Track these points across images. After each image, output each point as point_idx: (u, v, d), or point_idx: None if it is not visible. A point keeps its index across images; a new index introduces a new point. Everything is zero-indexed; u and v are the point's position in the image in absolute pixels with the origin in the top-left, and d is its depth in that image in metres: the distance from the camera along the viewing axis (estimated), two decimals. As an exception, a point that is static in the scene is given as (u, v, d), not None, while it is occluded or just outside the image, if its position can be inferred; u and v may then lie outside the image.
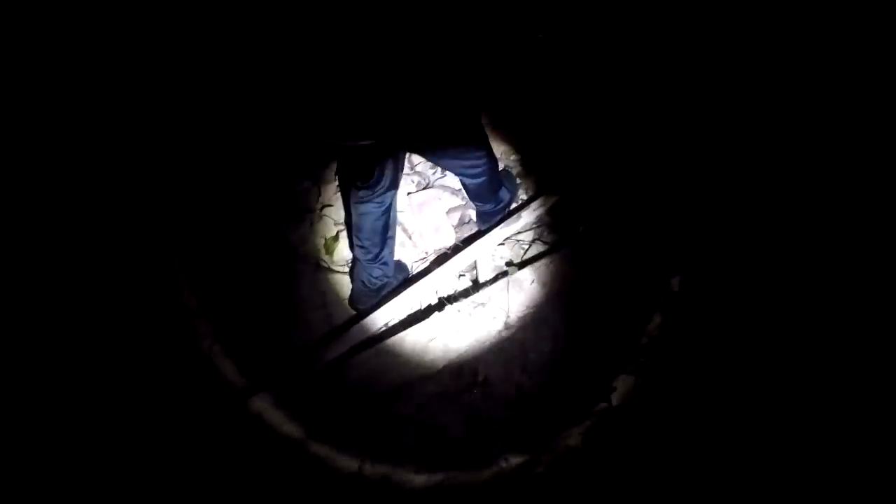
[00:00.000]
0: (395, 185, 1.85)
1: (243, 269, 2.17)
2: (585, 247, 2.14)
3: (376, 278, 2.02)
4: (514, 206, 2.19)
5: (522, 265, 2.11)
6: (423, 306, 2.12)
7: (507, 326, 2.06)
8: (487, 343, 2.07)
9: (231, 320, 2.12)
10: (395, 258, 2.12)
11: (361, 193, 1.81)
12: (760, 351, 1.89)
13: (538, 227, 2.19)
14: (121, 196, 2.16)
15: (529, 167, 2.25)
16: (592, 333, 2.07)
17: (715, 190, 2.08)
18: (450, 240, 2.25)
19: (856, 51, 1.86)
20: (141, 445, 1.90)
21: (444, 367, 2.06)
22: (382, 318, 2.07)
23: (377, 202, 1.84)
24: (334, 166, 2.31)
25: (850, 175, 1.88)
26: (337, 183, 2.28)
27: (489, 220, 2.15)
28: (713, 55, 2.05)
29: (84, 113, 2.14)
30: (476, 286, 2.12)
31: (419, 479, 1.96)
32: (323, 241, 2.24)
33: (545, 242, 2.17)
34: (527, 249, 2.17)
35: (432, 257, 2.23)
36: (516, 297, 2.09)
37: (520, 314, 2.08)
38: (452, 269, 2.11)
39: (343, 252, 2.23)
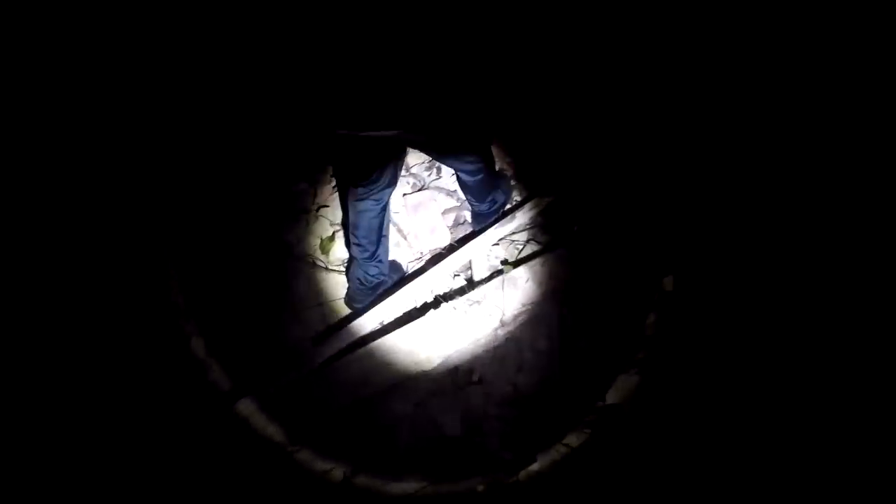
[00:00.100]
0: (393, 182, 1.88)
1: (239, 268, 2.17)
2: (579, 247, 2.16)
3: (373, 276, 2.03)
4: (508, 207, 2.22)
5: (517, 264, 2.13)
6: (419, 305, 2.13)
7: (502, 324, 2.08)
8: (483, 341, 2.08)
9: (225, 320, 2.12)
10: (391, 258, 2.14)
11: (360, 191, 1.83)
12: (753, 347, 1.92)
13: (532, 227, 2.21)
14: (116, 195, 2.16)
15: (523, 169, 2.28)
16: (587, 332, 2.09)
17: (705, 191, 2.12)
18: (445, 240, 2.26)
19: (839, 52, 1.92)
20: (131, 445, 1.88)
21: (440, 365, 2.07)
22: (378, 316, 2.08)
23: (375, 199, 1.86)
24: (330, 168, 2.33)
25: (837, 172, 1.93)
26: (334, 183, 2.30)
27: (484, 221, 2.18)
28: (702, 58, 2.11)
29: (80, 110, 2.14)
30: (471, 285, 2.13)
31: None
32: (319, 241, 2.25)
33: (539, 242, 2.20)
34: (521, 249, 2.19)
35: (427, 257, 2.25)
36: (511, 295, 2.10)
37: (515, 312, 2.09)
38: (447, 268, 2.13)
39: (339, 252, 2.24)
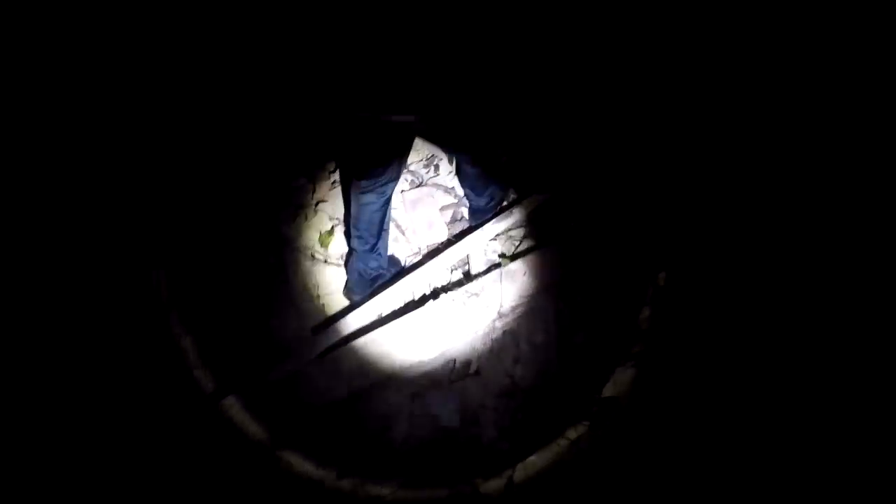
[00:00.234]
0: (396, 177, 1.92)
1: (239, 262, 2.18)
2: (576, 242, 2.20)
3: (372, 269, 2.05)
4: (505, 203, 2.25)
5: (515, 258, 2.16)
6: (417, 297, 2.15)
7: (500, 316, 2.10)
8: (480, 333, 2.10)
9: (223, 312, 2.12)
10: (389, 253, 2.16)
11: (364, 183, 1.87)
12: (746, 341, 1.95)
13: (529, 223, 2.25)
14: (113, 189, 2.16)
15: (521, 165, 2.32)
16: (583, 325, 2.12)
17: (698, 189, 2.18)
18: (442, 235, 2.30)
19: (824, 54, 1.99)
20: (123, 443, 1.86)
21: (438, 356, 2.07)
22: (376, 308, 2.09)
23: (379, 192, 1.89)
24: (329, 165, 2.36)
25: (825, 166, 1.99)
26: (333, 179, 2.33)
27: (482, 216, 2.21)
28: (694, 59, 2.18)
29: (83, 107, 2.16)
30: (469, 278, 2.16)
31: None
32: (318, 235, 2.27)
33: (536, 238, 2.23)
34: (519, 244, 2.23)
35: (425, 252, 2.28)
36: (509, 288, 2.13)
37: (512, 305, 2.11)
38: (445, 261, 2.16)
39: (337, 245, 2.26)
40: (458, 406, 2.03)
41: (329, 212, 2.31)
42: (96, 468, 1.81)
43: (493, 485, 1.94)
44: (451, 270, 2.21)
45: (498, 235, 2.23)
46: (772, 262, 2.02)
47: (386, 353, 2.03)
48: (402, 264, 2.25)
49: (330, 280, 2.20)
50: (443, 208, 2.35)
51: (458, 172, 2.10)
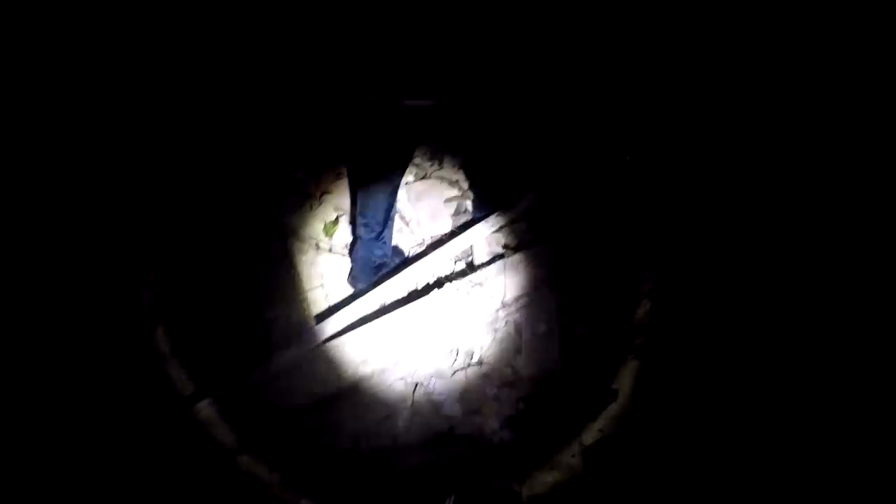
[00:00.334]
0: (405, 166, 1.94)
1: (243, 251, 2.19)
2: (578, 235, 2.22)
3: (377, 257, 2.07)
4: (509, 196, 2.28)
5: (518, 249, 2.18)
6: (421, 286, 2.16)
7: (503, 306, 2.11)
8: (483, 323, 2.11)
9: (230, 299, 2.13)
10: (393, 244, 2.18)
11: (374, 171, 1.88)
12: (745, 339, 1.97)
13: (533, 215, 2.27)
14: (113, 185, 2.17)
15: (525, 158, 2.35)
16: (586, 317, 2.13)
17: (698, 188, 2.20)
18: (446, 227, 2.31)
19: (813, 56, 2.03)
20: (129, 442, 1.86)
21: (440, 345, 2.08)
22: (380, 296, 2.10)
23: (387, 180, 1.91)
24: (334, 154, 2.38)
25: (812, 165, 2.03)
26: (338, 170, 2.34)
27: (485, 208, 2.23)
28: (686, 61, 2.22)
29: (88, 103, 2.18)
30: (472, 268, 2.17)
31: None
32: (322, 226, 2.28)
33: (540, 230, 2.25)
34: (522, 236, 2.24)
35: (429, 243, 2.29)
36: (512, 279, 2.14)
37: (515, 296, 2.12)
38: (449, 252, 2.17)
39: (342, 236, 2.28)
40: (459, 396, 2.04)
41: (333, 203, 2.32)
42: (61, 465, 1.79)
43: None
44: (455, 261, 2.22)
45: (502, 227, 2.24)
46: (771, 256, 2.04)
47: (388, 342, 2.04)
48: (406, 254, 2.26)
49: (334, 269, 2.21)
50: (447, 200, 2.37)
51: (465, 166, 2.12)
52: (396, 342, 2.05)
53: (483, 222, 2.22)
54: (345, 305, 2.08)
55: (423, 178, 2.40)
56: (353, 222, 2.23)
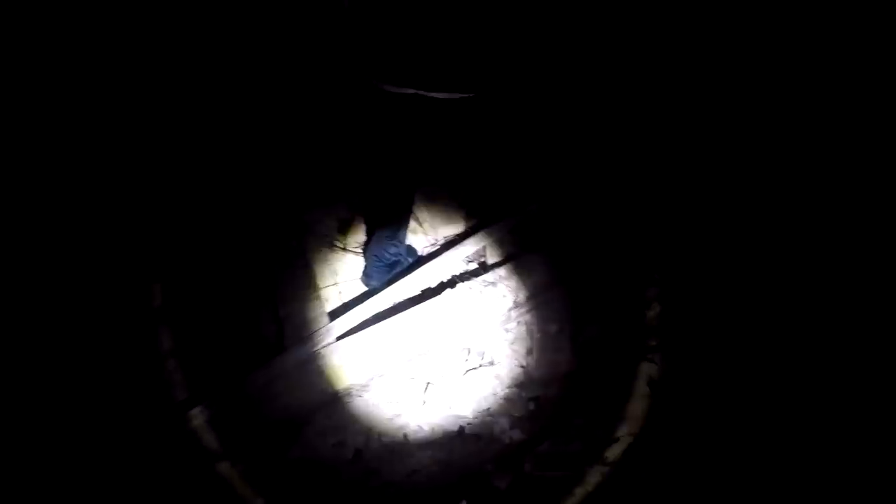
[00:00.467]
0: (426, 158, 1.94)
1: (259, 248, 2.22)
2: (590, 237, 2.23)
3: (391, 255, 2.09)
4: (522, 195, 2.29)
5: (530, 250, 2.19)
6: (434, 285, 2.18)
7: (515, 306, 2.12)
8: (495, 323, 2.12)
9: (247, 295, 2.16)
10: (407, 243, 2.20)
11: (392, 166, 1.90)
12: (756, 339, 1.97)
13: (544, 217, 2.28)
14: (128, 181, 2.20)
15: (538, 160, 2.37)
16: (597, 319, 2.14)
17: (708, 190, 2.21)
18: (459, 228, 2.33)
19: (816, 57, 2.03)
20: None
21: (453, 344, 2.10)
22: (393, 295, 2.12)
23: (405, 178, 1.93)
24: (351, 153, 2.40)
25: (814, 164, 2.03)
26: (354, 168, 2.37)
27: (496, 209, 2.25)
28: (700, 63, 2.23)
29: (107, 96, 2.22)
30: (485, 268, 2.18)
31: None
32: (337, 224, 2.31)
33: (552, 232, 2.26)
34: (534, 237, 2.25)
35: (442, 243, 2.31)
36: (524, 280, 2.15)
37: (527, 296, 2.14)
38: (462, 252, 2.19)
39: (356, 234, 2.30)
40: (470, 395, 2.05)
41: (348, 201, 2.35)
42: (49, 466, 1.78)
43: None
44: (468, 261, 2.24)
45: (514, 228, 2.26)
46: (783, 258, 2.04)
47: (401, 341, 2.06)
48: (420, 254, 2.28)
49: (348, 267, 2.23)
50: (460, 201, 2.39)
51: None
52: (409, 341, 2.06)
53: (496, 224, 2.24)
54: (358, 303, 2.10)
55: (436, 179, 2.42)
56: (368, 220, 2.25)
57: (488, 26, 1.53)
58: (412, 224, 2.30)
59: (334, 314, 2.10)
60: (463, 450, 1.98)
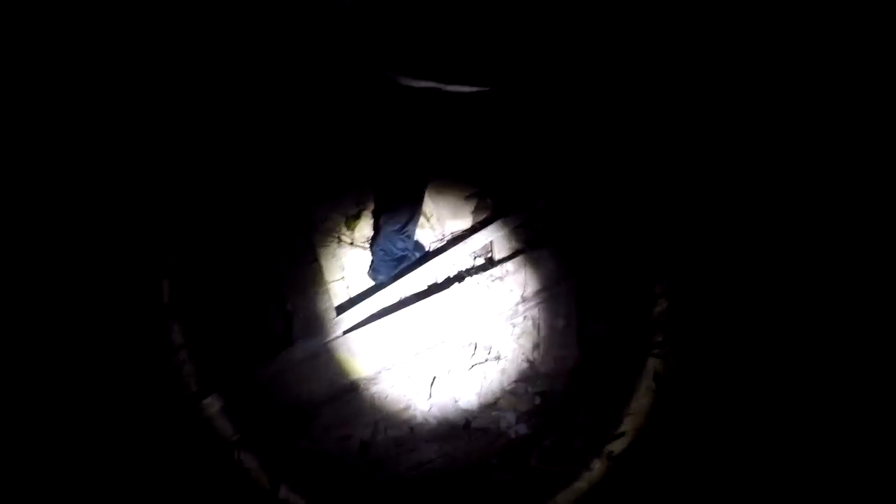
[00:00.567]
0: (436, 151, 1.96)
1: (267, 242, 2.24)
2: (597, 233, 2.23)
3: (399, 249, 2.09)
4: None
5: (537, 245, 2.19)
6: (440, 280, 2.19)
7: (522, 301, 2.12)
8: (502, 318, 2.12)
9: (255, 289, 2.18)
10: (415, 238, 2.20)
11: (402, 161, 1.90)
12: (763, 337, 1.96)
13: (552, 213, 2.28)
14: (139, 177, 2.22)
15: (546, 156, 2.36)
16: (604, 315, 2.14)
17: (708, 190, 2.19)
18: (466, 223, 2.33)
19: (819, 57, 2.01)
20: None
21: (459, 339, 2.11)
22: (400, 289, 2.13)
23: (415, 172, 1.94)
24: (361, 148, 2.40)
25: (818, 163, 2.01)
26: (362, 163, 2.37)
27: (504, 205, 2.25)
28: (710, 63, 2.21)
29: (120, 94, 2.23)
30: (492, 263, 2.19)
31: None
32: (344, 219, 2.32)
33: (559, 227, 2.26)
34: (541, 233, 2.25)
35: (449, 238, 2.31)
36: (531, 275, 2.15)
37: (534, 291, 2.14)
38: (470, 247, 2.19)
39: (363, 229, 2.31)
40: (476, 389, 2.06)
41: (355, 195, 2.36)
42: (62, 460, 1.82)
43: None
44: (475, 256, 2.24)
45: (522, 224, 2.26)
46: (789, 256, 2.03)
47: (408, 335, 2.07)
48: (427, 249, 2.29)
49: (355, 262, 2.24)
50: (467, 197, 2.39)
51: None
52: (416, 335, 2.07)
53: (503, 219, 2.23)
54: (365, 298, 2.11)
55: (444, 174, 2.42)
56: (376, 215, 2.26)
57: (504, 20, 1.53)
58: (420, 220, 2.31)
59: (342, 308, 2.12)
60: (469, 444, 2.00)
